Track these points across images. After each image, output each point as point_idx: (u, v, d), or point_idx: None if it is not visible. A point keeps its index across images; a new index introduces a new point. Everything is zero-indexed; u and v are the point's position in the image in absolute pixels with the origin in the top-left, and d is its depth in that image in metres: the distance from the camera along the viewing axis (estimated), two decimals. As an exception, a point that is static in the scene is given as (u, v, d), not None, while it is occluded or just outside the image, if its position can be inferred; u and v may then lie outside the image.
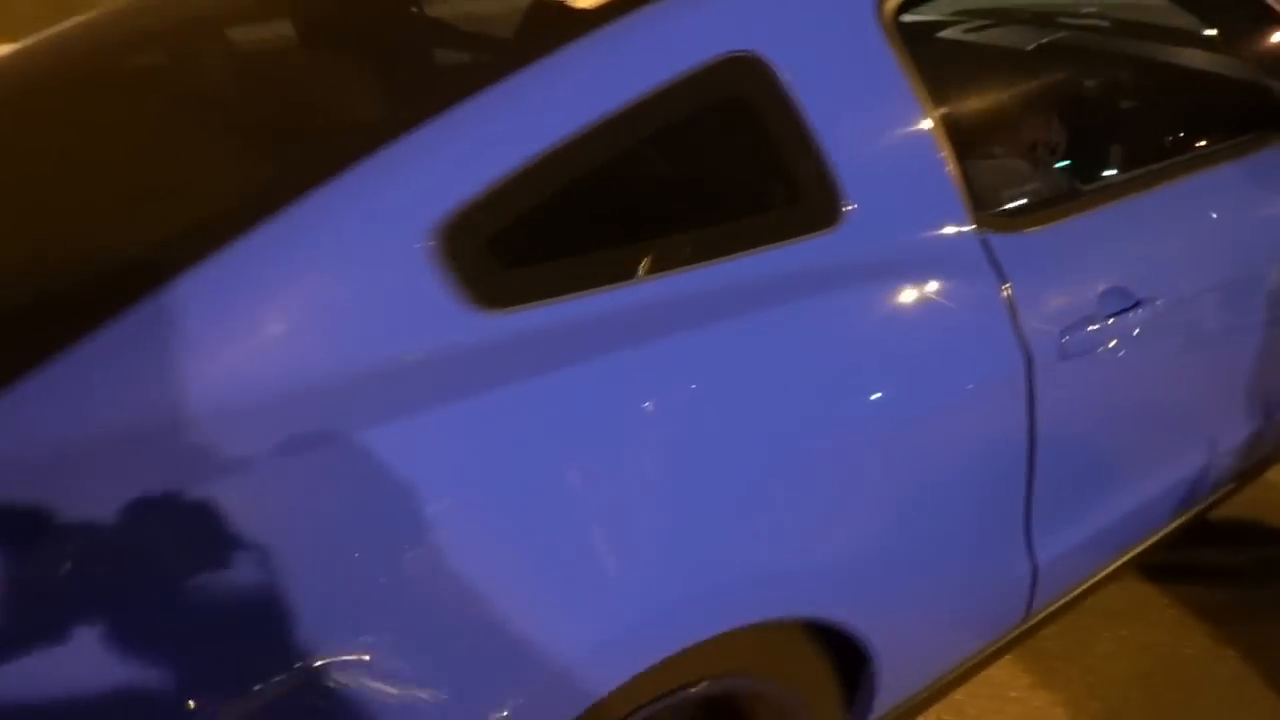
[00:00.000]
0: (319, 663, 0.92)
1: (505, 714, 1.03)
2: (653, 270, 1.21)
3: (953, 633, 1.57)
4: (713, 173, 1.36)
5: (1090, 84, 1.97)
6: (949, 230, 1.43)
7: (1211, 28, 1.94)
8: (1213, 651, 2.04)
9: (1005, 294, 1.43)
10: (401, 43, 1.51)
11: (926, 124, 1.42)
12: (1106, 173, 1.68)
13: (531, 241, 1.18)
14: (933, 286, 1.39)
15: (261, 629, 0.91)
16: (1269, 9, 1.89)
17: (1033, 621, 1.74)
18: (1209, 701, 1.93)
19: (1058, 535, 1.61)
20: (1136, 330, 1.55)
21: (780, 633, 1.32)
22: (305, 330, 1.04)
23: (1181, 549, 2.03)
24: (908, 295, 1.37)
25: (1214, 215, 1.73)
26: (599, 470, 1.12)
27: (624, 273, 1.20)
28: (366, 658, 0.95)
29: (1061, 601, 1.78)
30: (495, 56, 1.24)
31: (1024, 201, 1.58)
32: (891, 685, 1.47)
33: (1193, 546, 2.13)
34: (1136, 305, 1.56)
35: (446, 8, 1.53)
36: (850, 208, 1.34)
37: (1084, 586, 1.80)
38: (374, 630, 0.96)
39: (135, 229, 1.17)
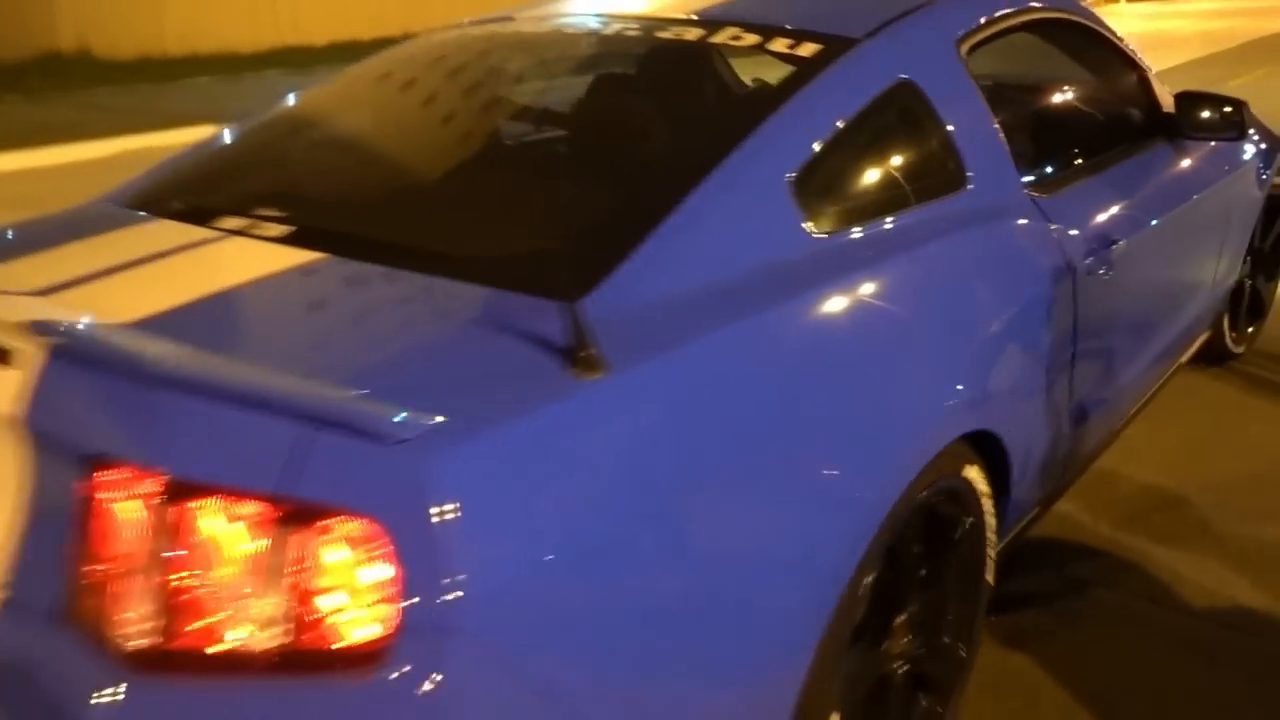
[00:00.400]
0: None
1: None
2: (888, 211, 1.88)
3: (1045, 456, 2.21)
4: (907, 152, 2.05)
5: (1056, 114, 2.84)
6: (1015, 193, 2.17)
7: (1108, 79, 2.88)
8: (1041, 661, 2.25)
9: (1055, 232, 2.18)
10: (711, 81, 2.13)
11: (993, 126, 2.18)
12: (1074, 164, 2.51)
13: (846, 182, 1.82)
14: (1022, 224, 2.12)
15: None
16: (1133, 61, 2.84)
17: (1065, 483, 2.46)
18: (1048, 706, 2.15)
19: (1086, 403, 2.37)
20: (1115, 259, 2.36)
21: (966, 446, 1.96)
22: (737, 241, 1.63)
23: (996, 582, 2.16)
24: (1013, 230, 2.08)
25: (1133, 187, 2.61)
26: (902, 326, 1.76)
27: (884, 211, 1.87)
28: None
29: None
30: (774, 89, 1.88)
31: (1035, 178, 2.35)
32: (1018, 495, 2.11)
33: (1003, 578, 2.25)
34: (1113, 243, 2.37)
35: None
36: (970, 174, 2.07)
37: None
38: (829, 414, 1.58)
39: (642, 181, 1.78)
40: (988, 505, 1.99)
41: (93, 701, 1.21)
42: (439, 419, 1.17)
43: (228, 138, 2.26)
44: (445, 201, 1.84)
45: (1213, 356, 3.67)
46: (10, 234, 1.93)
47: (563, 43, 2.30)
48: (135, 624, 1.22)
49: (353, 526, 1.15)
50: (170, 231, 1.80)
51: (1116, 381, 2.52)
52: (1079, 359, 2.23)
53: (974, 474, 1.91)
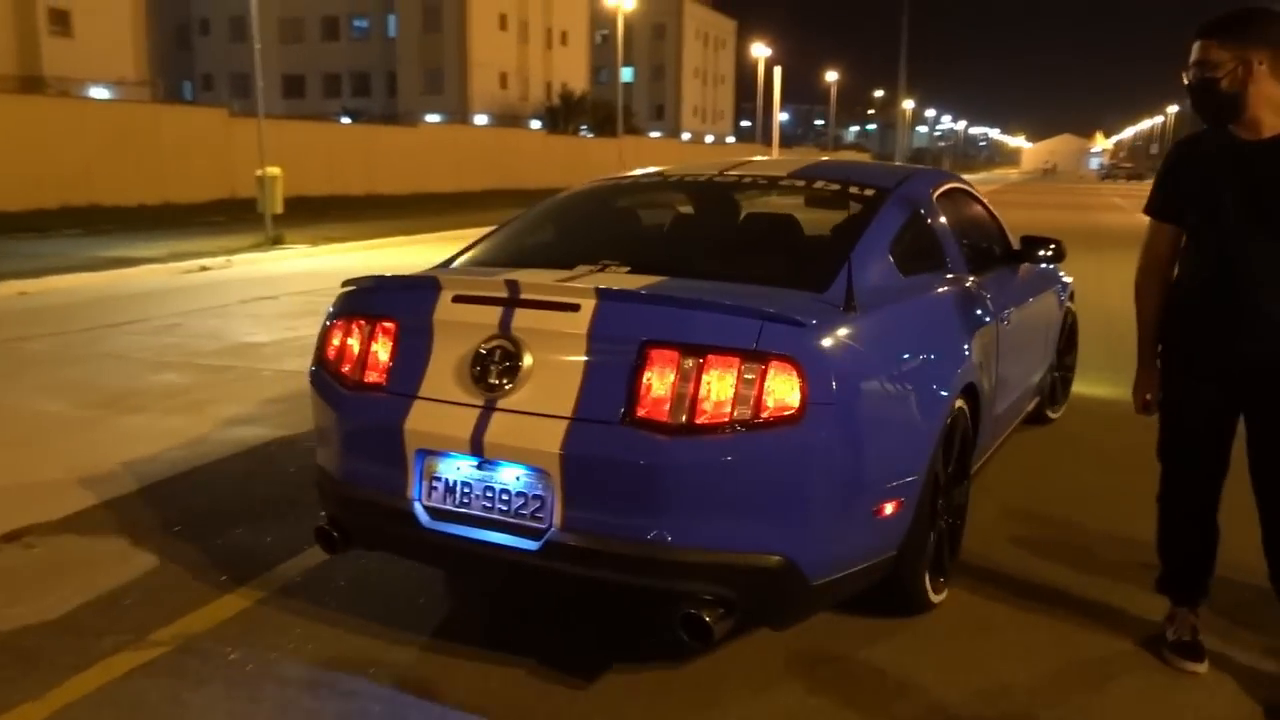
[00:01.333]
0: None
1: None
2: (921, 271, 3.59)
3: (987, 414, 3.89)
4: (922, 245, 3.76)
5: (966, 238, 4.70)
6: (967, 276, 3.93)
7: (985, 224, 4.81)
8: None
9: (988, 298, 3.97)
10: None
11: (953, 237, 3.97)
12: (980, 267, 4.33)
13: (906, 255, 3.51)
14: (971, 288, 3.88)
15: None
16: (995, 216, 4.78)
17: (988, 455, 4.20)
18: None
19: (1001, 392, 4.10)
20: (1009, 317, 4.16)
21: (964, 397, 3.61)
22: (876, 271, 3.28)
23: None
24: (971, 291, 3.84)
25: (1008, 285, 4.47)
26: (951, 319, 3.47)
27: (919, 271, 3.57)
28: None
29: (989, 452, 4.24)
30: (862, 210, 3.60)
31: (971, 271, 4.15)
32: (985, 428, 3.79)
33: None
34: (1008, 309, 4.18)
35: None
36: (948, 261, 3.83)
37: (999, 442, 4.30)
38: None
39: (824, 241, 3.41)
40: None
41: (654, 453, 2.64)
42: (816, 320, 2.74)
43: (528, 224, 3.79)
44: (730, 252, 3.45)
45: (1038, 420, 5.56)
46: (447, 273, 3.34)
47: (733, 185, 4.02)
48: (675, 414, 2.67)
49: (784, 362, 2.67)
50: (555, 272, 3.26)
51: (1011, 390, 4.32)
52: (999, 365, 4.00)
53: (967, 409, 3.59)
